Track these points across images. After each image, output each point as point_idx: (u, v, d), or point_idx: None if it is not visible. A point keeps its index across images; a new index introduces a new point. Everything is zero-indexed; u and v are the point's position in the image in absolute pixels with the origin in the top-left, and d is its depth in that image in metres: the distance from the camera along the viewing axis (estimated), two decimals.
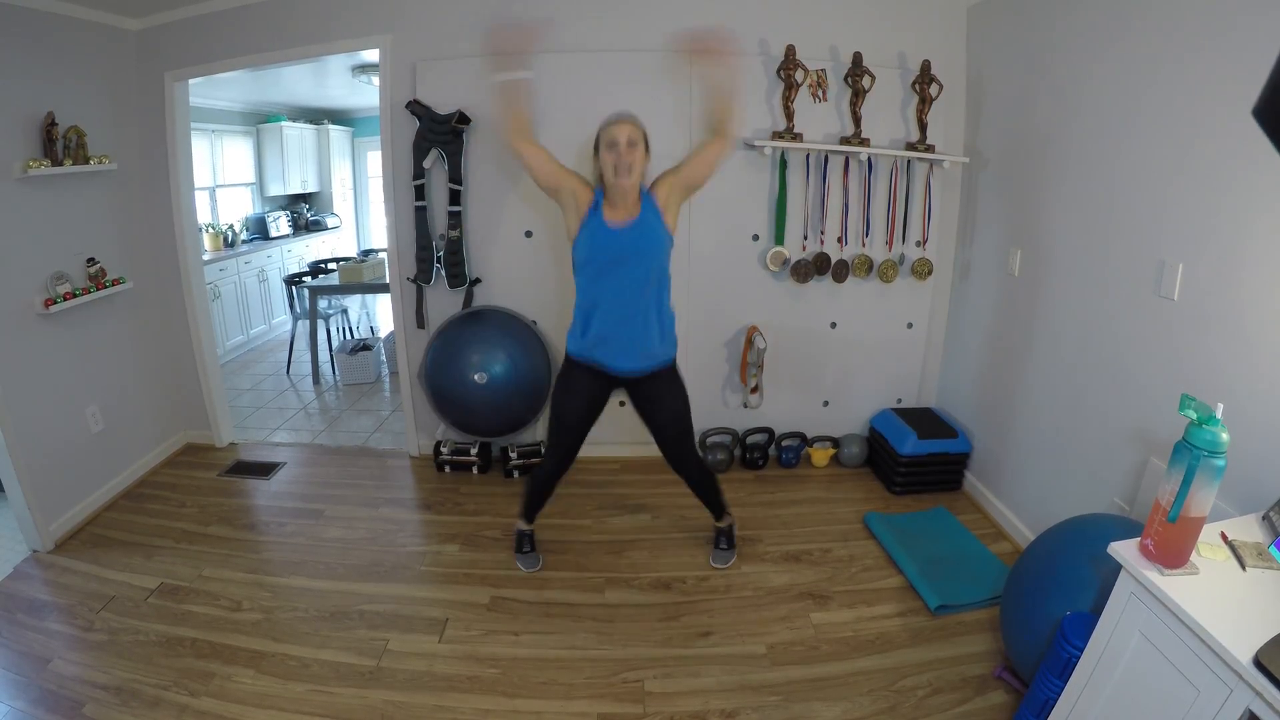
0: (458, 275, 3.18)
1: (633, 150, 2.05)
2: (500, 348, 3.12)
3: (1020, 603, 1.90)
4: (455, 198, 3.09)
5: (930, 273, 3.27)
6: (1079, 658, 1.55)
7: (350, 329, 5.79)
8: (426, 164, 3.06)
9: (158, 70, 3.13)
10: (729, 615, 2.36)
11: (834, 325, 3.35)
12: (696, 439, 3.43)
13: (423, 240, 3.16)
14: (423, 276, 3.20)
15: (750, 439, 3.41)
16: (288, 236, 6.35)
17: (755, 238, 3.20)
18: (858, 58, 2.93)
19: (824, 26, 2.98)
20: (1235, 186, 1.79)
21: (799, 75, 2.92)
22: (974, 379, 3.18)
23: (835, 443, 3.46)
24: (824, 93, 2.98)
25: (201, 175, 5.16)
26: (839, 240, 3.19)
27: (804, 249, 3.21)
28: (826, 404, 3.49)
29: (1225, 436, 1.26)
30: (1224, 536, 1.48)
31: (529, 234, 3.19)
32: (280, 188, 6.39)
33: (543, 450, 3.07)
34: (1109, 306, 2.28)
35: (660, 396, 2.32)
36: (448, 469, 3.38)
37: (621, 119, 2.10)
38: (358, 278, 4.86)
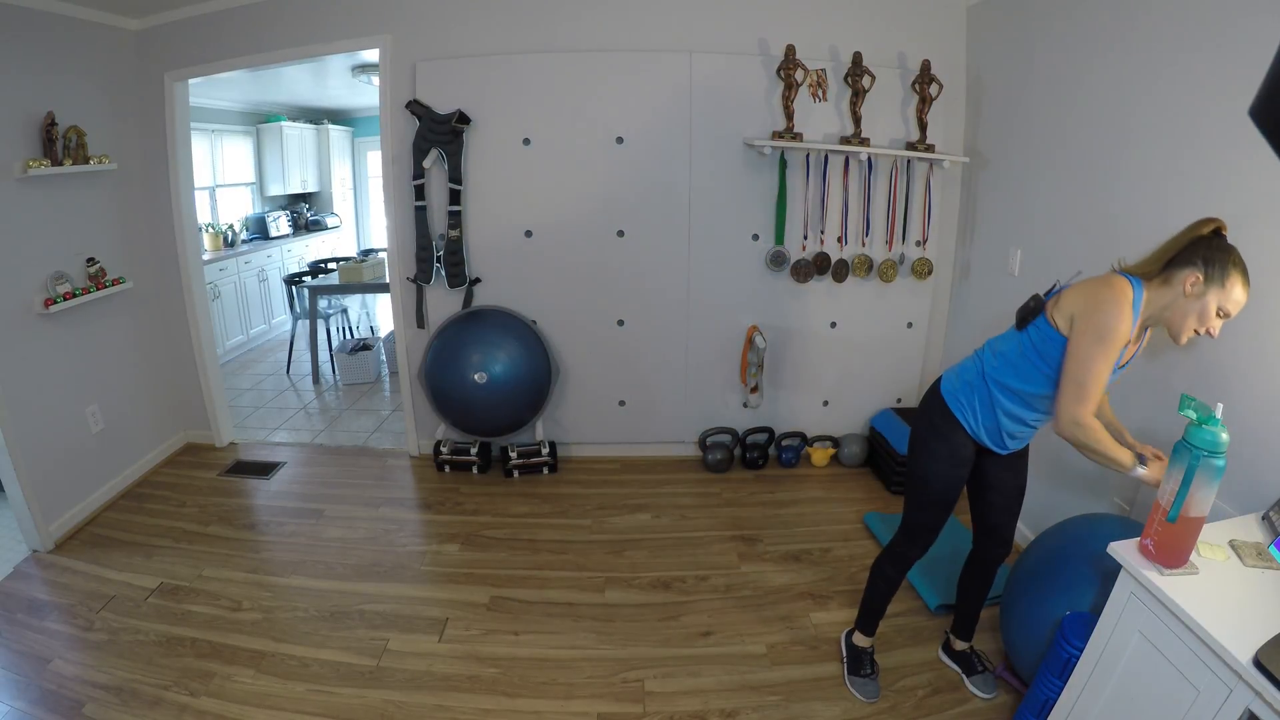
0: (458, 275, 3.19)
1: None
2: (500, 348, 3.12)
3: (1020, 603, 1.90)
4: (455, 197, 3.09)
5: (930, 272, 3.27)
6: (1079, 658, 1.55)
7: (350, 329, 5.79)
8: (426, 164, 3.06)
9: (158, 70, 3.13)
10: (729, 615, 2.36)
11: (834, 325, 3.35)
12: (698, 439, 3.46)
13: (423, 240, 3.16)
14: (423, 276, 3.20)
15: (750, 438, 3.41)
16: (288, 236, 6.35)
17: (755, 237, 3.19)
18: (858, 57, 2.93)
19: (824, 26, 2.98)
20: (1234, 186, 1.79)
21: (799, 75, 2.92)
22: None
23: (835, 442, 3.46)
24: (824, 92, 2.98)
25: (201, 175, 5.17)
26: (839, 240, 3.19)
27: (804, 249, 3.21)
28: (826, 404, 3.49)
29: (1225, 436, 1.26)
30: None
31: (529, 234, 3.19)
32: (280, 188, 6.39)
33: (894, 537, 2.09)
34: None
35: (1017, 468, 1.91)
36: (448, 469, 3.38)
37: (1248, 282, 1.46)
38: (358, 277, 4.86)
